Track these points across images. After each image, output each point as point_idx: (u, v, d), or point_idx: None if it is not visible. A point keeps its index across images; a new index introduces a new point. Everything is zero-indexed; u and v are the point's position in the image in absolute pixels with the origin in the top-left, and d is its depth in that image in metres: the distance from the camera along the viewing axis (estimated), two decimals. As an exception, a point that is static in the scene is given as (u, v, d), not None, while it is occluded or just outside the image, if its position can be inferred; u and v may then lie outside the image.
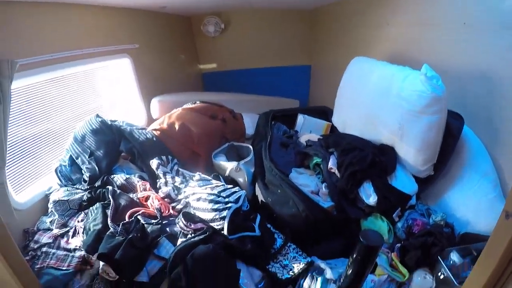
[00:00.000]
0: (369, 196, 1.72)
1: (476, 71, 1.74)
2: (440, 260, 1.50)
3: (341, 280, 1.44)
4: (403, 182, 1.81)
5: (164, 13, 3.05)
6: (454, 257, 1.50)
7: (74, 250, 1.58)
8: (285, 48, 3.65)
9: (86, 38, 2.18)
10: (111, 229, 1.54)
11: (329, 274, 1.51)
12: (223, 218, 1.59)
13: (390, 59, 2.16)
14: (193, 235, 1.55)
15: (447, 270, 1.45)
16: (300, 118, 2.52)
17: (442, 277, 1.48)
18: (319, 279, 1.51)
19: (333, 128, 2.51)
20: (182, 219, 1.59)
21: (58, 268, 1.49)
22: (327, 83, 3.17)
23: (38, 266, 1.50)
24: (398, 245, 1.65)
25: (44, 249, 1.59)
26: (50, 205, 1.76)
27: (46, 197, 1.87)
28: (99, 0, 2.19)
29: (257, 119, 2.54)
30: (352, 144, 1.94)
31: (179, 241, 1.56)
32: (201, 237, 1.51)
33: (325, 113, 2.65)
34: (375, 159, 1.81)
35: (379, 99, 1.95)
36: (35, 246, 1.61)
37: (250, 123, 2.57)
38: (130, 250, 1.43)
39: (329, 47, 3.46)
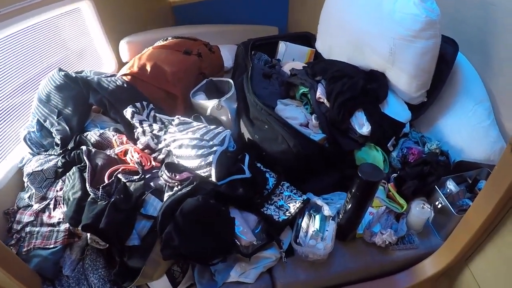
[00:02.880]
0: (362, 125, 1.56)
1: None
2: (437, 189, 1.43)
3: (340, 216, 1.35)
4: (396, 109, 1.67)
5: None
6: (451, 185, 1.46)
7: (58, 223, 1.39)
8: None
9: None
10: (92, 195, 1.33)
11: (327, 211, 1.40)
12: (209, 164, 1.40)
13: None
14: (179, 187, 1.37)
15: (444, 199, 1.39)
16: (282, 45, 2.24)
17: (439, 206, 1.42)
18: (317, 217, 1.41)
19: (317, 55, 2.26)
20: (165, 171, 1.39)
21: (45, 248, 1.31)
22: (308, 7, 2.83)
23: (25, 249, 1.32)
24: (394, 175, 1.55)
25: (27, 228, 1.39)
26: (25, 179, 1.52)
27: (20, 171, 1.61)
28: None
29: (236, 50, 2.27)
30: (341, 71, 1.73)
31: (166, 195, 1.38)
32: (188, 188, 1.33)
33: (308, 39, 2.37)
34: (366, 86, 1.63)
35: (367, 23, 1.74)
36: (18, 227, 1.41)
37: (228, 55, 2.28)
38: (115, 215, 1.24)
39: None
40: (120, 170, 1.45)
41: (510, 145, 0.98)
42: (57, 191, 1.49)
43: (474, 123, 1.57)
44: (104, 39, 2.26)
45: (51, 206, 1.46)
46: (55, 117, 1.66)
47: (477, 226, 1.14)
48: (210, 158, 1.40)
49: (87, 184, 1.36)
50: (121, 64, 2.33)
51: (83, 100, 1.71)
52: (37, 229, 1.38)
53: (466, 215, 1.23)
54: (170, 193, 1.36)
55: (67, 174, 1.49)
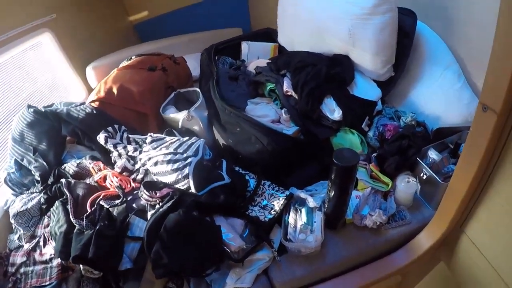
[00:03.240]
0: (333, 111, 1.56)
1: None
2: (419, 160, 1.42)
3: (326, 205, 1.34)
4: (365, 89, 1.67)
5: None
6: (433, 154, 1.44)
7: (51, 260, 1.39)
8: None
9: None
10: (77, 226, 1.34)
11: (311, 202, 1.39)
12: (186, 176, 1.40)
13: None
14: (160, 204, 1.37)
15: (428, 169, 1.38)
16: (244, 45, 2.25)
17: (425, 177, 1.41)
18: (303, 210, 1.40)
19: (281, 49, 2.26)
20: (144, 190, 1.40)
21: (41, 286, 1.32)
22: (267, 2, 2.80)
23: None
24: (374, 154, 1.53)
25: (21, 270, 1.40)
26: (12, 220, 1.54)
27: (7, 213, 1.62)
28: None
29: (200, 58, 2.29)
30: (303, 61, 1.72)
31: (149, 214, 1.38)
32: (168, 204, 1.34)
33: (270, 35, 2.36)
34: (330, 72, 1.62)
35: (323, 9, 1.73)
36: (13, 270, 1.41)
37: (196, 64, 2.27)
38: (102, 242, 1.25)
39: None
40: (101, 196, 1.46)
41: (481, 104, 0.97)
42: (44, 227, 1.50)
43: (446, 88, 1.56)
44: (70, 68, 2.27)
45: (41, 243, 1.46)
46: (32, 155, 1.66)
47: (464, 191, 1.13)
48: (186, 170, 1.40)
49: (71, 216, 1.36)
50: (91, 90, 2.34)
51: (56, 133, 1.72)
52: (31, 268, 1.38)
53: (451, 181, 1.21)
54: (153, 211, 1.36)
55: (51, 209, 1.50)
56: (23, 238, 1.50)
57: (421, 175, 1.42)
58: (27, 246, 1.46)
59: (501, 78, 0.88)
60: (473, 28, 1.48)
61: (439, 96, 1.59)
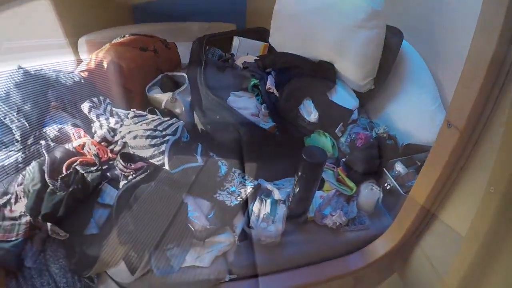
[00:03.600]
0: (310, 113, 1.65)
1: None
2: (386, 171, 1.51)
3: (290, 199, 1.42)
4: (343, 97, 1.76)
5: None
6: (399, 167, 1.54)
7: (20, 217, 1.43)
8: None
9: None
10: (51, 186, 1.40)
11: (277, 195, 1.47)
12: (162, 153, 1.48)
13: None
14: (134, 175, 1.45)
15: (393, 180, 1.48)
16: (236, 40, 2.33)
17: (388, 187, 1.51)
18: (268, 201, 1.48)
19: (270, 49, 2.34)
20: (120, 160, 1.47)
21: (7, 240, 1.35)
22: (265, 4, 2.86)
23: None
24: (343, 159, 1.62)
25: None
26: (-15, 175, 1.58)
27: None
28: None
29: (191, 46, 2.35)
30: (289, 62, 1.82)
31: (121, 184, 1.45)
32: (141, 176, 1.42)
33: (262, 34, 2.45)
34: (313, 76, 1.73)
35: (315, 16, 1.82)
36: None
37: (185, 52, 2.34)
38: (73, 204, 1.32)
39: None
40: (78, 162, 1.51)
41: (447, 121, 1.05)
42: (18, 185, 1.53)
43: (421, 108, 1.66)
44: (63, 38, 2.31)
45: (12, 200, 1.49)
46: (15, 114, 1.72)
47: (421, 203, 1.20)
48: (163, 147, 1.47)
49: (46, 176, 1.42)
50: (80, 62, 2.39)
51: (42, 96, 1.77)
52: (-2, 223, 1.44)
53: (410, 193, 1.28)
54: (125, 181, 1.43)
55: (27, 168, 1.53)
56: (-6, 195, 1.54)
57: (385, 185, 1.52)
58: (-3, 202, 1.51)
59: (466, 99, 0.96)
60: (455, 55, 1.56)
61: (414, 115, 1.68)
